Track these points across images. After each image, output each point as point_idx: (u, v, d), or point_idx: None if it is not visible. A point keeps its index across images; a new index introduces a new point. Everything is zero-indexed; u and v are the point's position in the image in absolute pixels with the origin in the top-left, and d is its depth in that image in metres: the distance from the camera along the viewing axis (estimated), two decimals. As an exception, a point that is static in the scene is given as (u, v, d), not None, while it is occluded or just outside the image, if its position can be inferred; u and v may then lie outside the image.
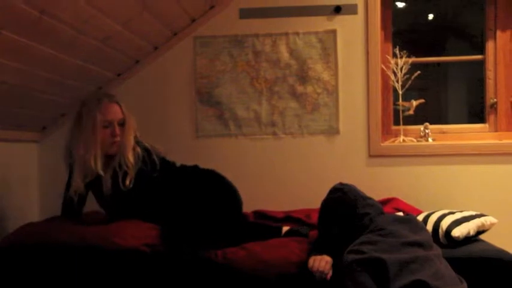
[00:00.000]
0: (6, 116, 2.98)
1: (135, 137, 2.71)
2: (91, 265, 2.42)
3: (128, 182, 2.60)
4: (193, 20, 3.45)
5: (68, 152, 2.69)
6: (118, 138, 2.63)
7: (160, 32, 3.33)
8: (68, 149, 2.69)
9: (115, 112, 2.65)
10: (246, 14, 3.44)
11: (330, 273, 2.22)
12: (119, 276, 2.40)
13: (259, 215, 3.14)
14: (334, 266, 2.23)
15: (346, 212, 2.32)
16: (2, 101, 2.80)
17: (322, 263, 2.23)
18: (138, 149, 2.67)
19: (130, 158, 2.62)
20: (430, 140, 3.38)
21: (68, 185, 2.70)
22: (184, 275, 2.38)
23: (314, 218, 2.92)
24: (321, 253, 2.28)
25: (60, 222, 2.70)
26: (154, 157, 2.69)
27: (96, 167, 2.57)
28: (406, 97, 3.44)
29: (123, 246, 2.41)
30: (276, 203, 3.22)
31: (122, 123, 2.67)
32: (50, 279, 2.42)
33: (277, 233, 2.70)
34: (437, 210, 2.72)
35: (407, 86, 3.37)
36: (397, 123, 3.45)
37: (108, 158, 2.66)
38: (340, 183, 2.44)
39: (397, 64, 3.37)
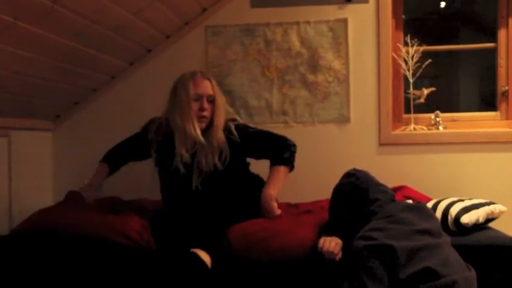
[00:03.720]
0: (20, 104, 3.03)
1: (231, 120, 2.80)
2: (100, 256, 2.44)
3: (216, 161, 2.68)
4: (205, 9, 3.47)
5: (156, 122, 2.81)
6: (206, 113, 2.69)
7: (172, 21, 3.35)
8: (156, 121, 2.82)
9: (205, 87, 2.71)
10: (257, 3, 3.45)
11: (340, 255, 2.24)
12: (124, 269, 2.42)
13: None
14: (343, 249, 2.25)
15: (357, 197, 2.34)
16: (16, 90, 2.85)
17: (332, 243, 2.25)
18: (232, 128, 2.75)
19: (220, 136, 2.69)
20: (440, 128, 3.38)
21: (129, 138, 2.95)
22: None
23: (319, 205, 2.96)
24: (331, 235, 2.31)
25: (73, 210, 2.74)
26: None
27: (196, 133, 2.64)
28: (418, 85, 3.44)
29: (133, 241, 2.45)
30: (287, 191, 3.22)
31: (212, 100, 2.72)
32: (59, 266, 2.44)
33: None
34: (447, 198, 2.72)
35: (418, 74, 3.37)
36: (408, 111, 3.45)
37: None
38: (354, 169, 2.46)
39: (408, 52, 3.36)
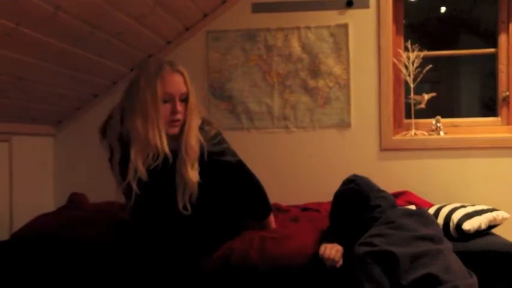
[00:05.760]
0: (21, 110, 3.03)
1: (203, 120, 2.33)
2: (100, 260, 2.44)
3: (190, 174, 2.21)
4: (206, 15, 3.48)
5: (111, 127, 2.26)
6: (179, 116, 2.19)
7: (173, 26, 3.35)
8: (111, 125, 2.26)
9: (177, 84, 2.18)
10: (258, 8, 3.46)
11: (341, 262, 2.24)
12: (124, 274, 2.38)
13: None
14: (344, 256, 2.25)
15: (358, 203, 2.34)
16: (18, 95, 2.85)
17: (333, 251, 2.24)
18: (201, 139, 2.27)
19: (194, 144, 2.22)
20: (441, 133, 3.38)
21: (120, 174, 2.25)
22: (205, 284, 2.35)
23: (323, 209, 2.95)
24: (332, 242, 2.30)
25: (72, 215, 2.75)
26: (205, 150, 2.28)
27: (162, 146, 2.14)
28: (419, 90, 3.44)
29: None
30: (288, 196, 3.24)
31: (185, 99, 2.22)
32: (59, 271, 2.44)
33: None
34: (449, 204, 2.72)
35: (418, 79, 3.37)
36: (408, 116, 3.46)
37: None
38: (354, 175, 2.46)
39: (408, 58, 3.37)
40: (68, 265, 2.44)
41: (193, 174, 2.21)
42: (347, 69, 3.40)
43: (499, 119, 3.46)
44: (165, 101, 2.16)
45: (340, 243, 2.28)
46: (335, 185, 2.48)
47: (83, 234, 2.50)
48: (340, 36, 3.40)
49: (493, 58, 3.52)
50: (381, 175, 2.92)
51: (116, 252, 2.41)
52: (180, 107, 2.19)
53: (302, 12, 3.43)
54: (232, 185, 2.39)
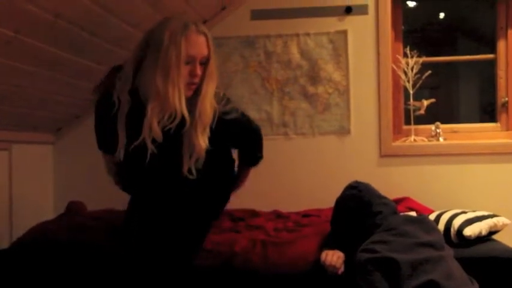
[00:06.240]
0: (21, 118, 3.02)
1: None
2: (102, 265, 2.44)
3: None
4: (205, 21, 3.47)
5: (123, 79, 2.15)
6: (197, 79, 2.10)
7: (172, 33, 3.35)
8: (124, 77, 2.15)
9: (200, 46, 2.09)
10: (258, 15, 3.46)
11: (342, 269, 2.23)
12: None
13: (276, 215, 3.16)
14: (346, 262, 2.25)
15: (360, 210, 2.34)
16: (18, 103, 2.85)
17: (334, 257, 2.24)
18: (215, 104, 2.17)
19: (208, 109, 2.14)
20: (441, 139, 3.38)
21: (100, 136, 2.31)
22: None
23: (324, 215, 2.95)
24: (333, 248, 2.30)
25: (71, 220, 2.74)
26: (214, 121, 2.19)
27: (181, 107, 2.04)
28: (418, 96, 3.44)
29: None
30: (288, 203, 3.23)
31: (205, 62, 2.12)
32: (60, 278, 2.44)
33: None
34: (449, 210, 2.73)
35: (418, 85, 3.37)
36: (408, 122, 3.45)
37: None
38: (356, 181, 2.46)
39: (407, 64, 3.37)
40: (68, 270, 2.45)
41: (202, 140, 2.14)
42: (346, 76, 3.40)
43: (498, 124, 3.46)
44: (187, 63, 2.07)
45: (341, 249, 2.28)
46: (335, 191, 2.48)
47: (83, 239, 2.51)
48: (339, 42, 3.41)
49: (492, 64, 3.52)
50: (381, 181, 2.91)
51: (115, 256, 2.38)
52: (199, 70, 2.10)
53: (301, 18, 3.43)
54: (237, 137, 2.37)
